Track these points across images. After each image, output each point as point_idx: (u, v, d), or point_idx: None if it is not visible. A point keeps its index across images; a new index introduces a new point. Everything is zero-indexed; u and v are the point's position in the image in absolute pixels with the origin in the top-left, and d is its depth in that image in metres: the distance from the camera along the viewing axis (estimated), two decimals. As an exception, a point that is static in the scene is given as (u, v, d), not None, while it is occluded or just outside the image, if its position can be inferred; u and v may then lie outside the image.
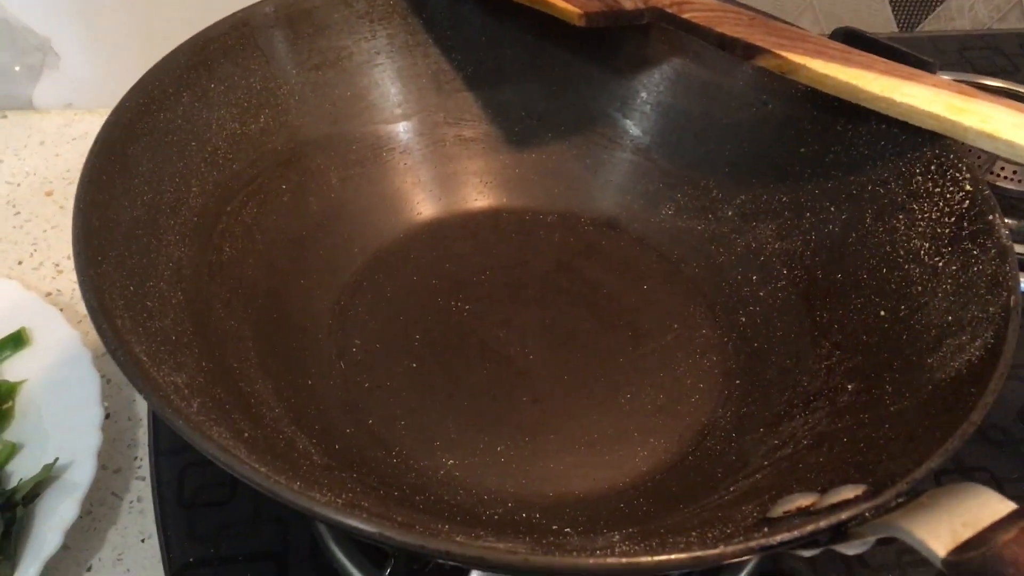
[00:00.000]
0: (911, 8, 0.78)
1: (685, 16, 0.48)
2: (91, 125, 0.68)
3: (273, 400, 0.39)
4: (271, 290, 0.44)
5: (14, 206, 0.61)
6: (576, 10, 0.45)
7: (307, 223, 0.47)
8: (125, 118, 0.42)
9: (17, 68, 0.66)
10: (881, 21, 0.78)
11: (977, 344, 0.40)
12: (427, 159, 0.53)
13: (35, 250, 0.59)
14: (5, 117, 0.68)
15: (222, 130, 0.45)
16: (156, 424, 0.48)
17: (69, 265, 0.58)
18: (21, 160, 0.65)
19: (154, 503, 0.44)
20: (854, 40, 0.60)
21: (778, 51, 0.46)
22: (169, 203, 0.41)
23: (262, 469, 0.29)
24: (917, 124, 0.45)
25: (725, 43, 0.47)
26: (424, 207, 0.53)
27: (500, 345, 0.47)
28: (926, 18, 0.79)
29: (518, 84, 0.54)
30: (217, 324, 0.39)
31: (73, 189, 0.61)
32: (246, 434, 0.33)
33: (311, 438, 0.39)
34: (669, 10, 0.48)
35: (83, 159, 0.62)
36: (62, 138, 0.67)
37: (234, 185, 0.45)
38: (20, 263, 0.58)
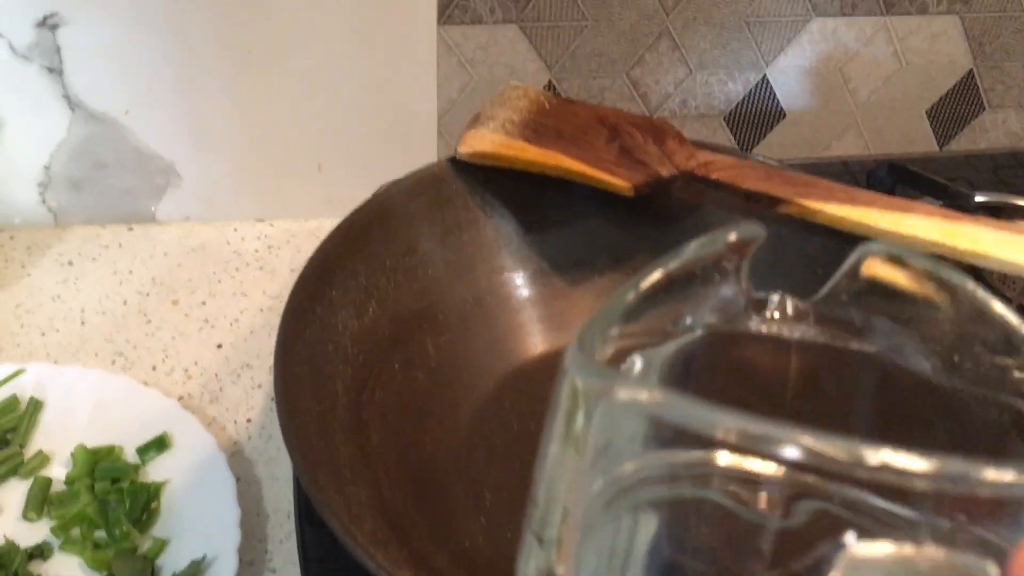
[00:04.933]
0: (948, 122, 0.85)
1: (713, 176, 0.55)
2: (207, 236, 0.75)
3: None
4: (409, 460, 0.50)
5: (145, 315, 0.68)
6: (626, 183, 0.53)
7: (418, 394, 0.53)
8: (289, 343, 0.47)
9: (144, 188, 0.73)
10: (920, 135, 0.85)
11: (1005, 419, 0.46)
12: (499, 316, 0.59)
13: (166, 356, 0.66)
14: (131, 230, 0.75)
15: (346, 329, 0.51)
16: (304, 537, 0.53)
17: (197, 371, 0.65)
18: (148, 270, 0.72)
19: None
20: (899, 173, 0.67)
21: (798, 200, 0.53)
22: (329, 407, 0.47)
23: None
24: (921, 250, 0.51)
25: (751, 196, 0.55)
26: (503, 361, 0.58)
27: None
28: (962, 131, 0.85)
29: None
30: (383, 490, 0.45)
31: (195, 298, 0.69)
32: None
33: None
34: (698, 172, 0.55)
35: (202, 268, 0.71)
36: (182, 249, 0.74)
37: (363, 375, 0.51)
38: (154, 368, 0.65)
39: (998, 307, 0.27)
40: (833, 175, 0.79)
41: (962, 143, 0.86)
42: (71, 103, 0.68)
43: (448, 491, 0.50)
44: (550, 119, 0.57)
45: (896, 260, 0.30)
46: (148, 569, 0.51)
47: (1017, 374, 0.27)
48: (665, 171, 0.53)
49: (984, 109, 0.85)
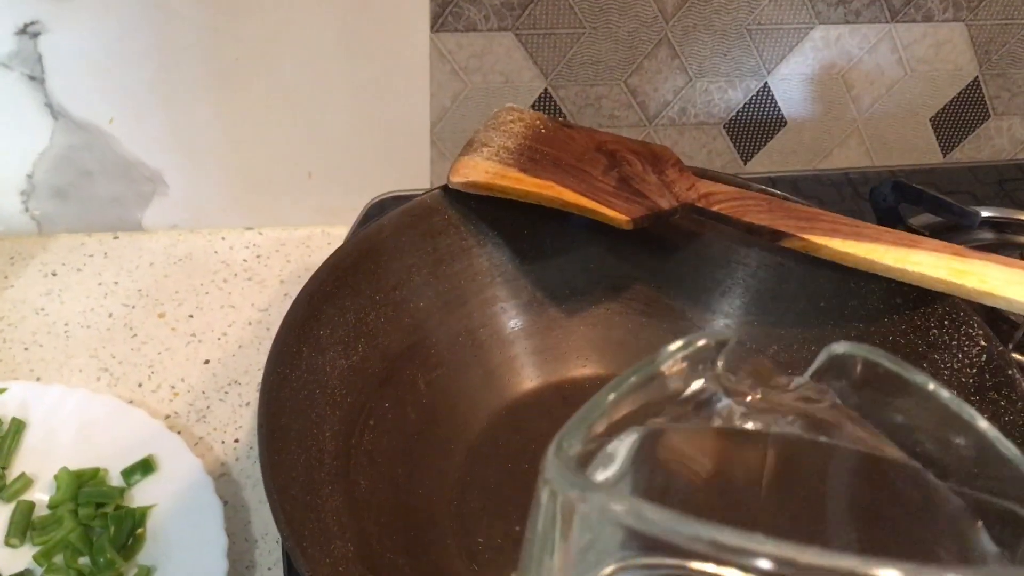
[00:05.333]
0: (952, 130, 0.83)
1: (715, 208, 0.54)
2: (194, 245, 0.74)
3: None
4: (399, 505, 0.48)
5: (131, 328, 0.67)
6: (624, 217, 0.52)
7: (409, 434, 0.52)
8: (273, 393, 0.46)
9: (130, 196, 0.72)
10: (923, 143, 0.83)
11: None
12: (492, 348, 0.58)
13: (152, 372, 0.65)
14: (117, 238, 0.73)
15: (334, 369, 0.50)
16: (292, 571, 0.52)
17: (184, 387, 0.64)
18: (134, 281, 0.70)
19: None
20: (903, 191, 0.65)
21: (801, 234, 0.52)
22: (316, 456, 0.45)
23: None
24: (928, 287, 0.50)
25: (752, 230, 0.53)
26: (497, 395, 0.57)
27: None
28: (966, 138, 0.84)
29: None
30: (372, 541, 0.44)
31: (182, 311, 0.68)
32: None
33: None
34: (699, 204, 0.54)
35: (189, 279, 0.69)
36: (169, 259, 0.72)
37: (352, 418, 0.49)
38: (140, 385, 0.64)
39: (966, 412, 0.29)
40: (835, 187, 0.78)
41: (966, 151, 0.85)
42: (54, 111, 0.66)
43: (439, 537, 0.49)
44: (546, 146, 0.55)
45: (862, 361, 0.32)
46: (133, 598, 0.51)
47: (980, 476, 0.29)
48: (665, 203, 0.52)
49: (989, 117, 0.83)
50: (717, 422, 0.32)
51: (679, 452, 0.31)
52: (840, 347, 0.32)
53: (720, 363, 0.32)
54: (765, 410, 0.32)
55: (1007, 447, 0.28)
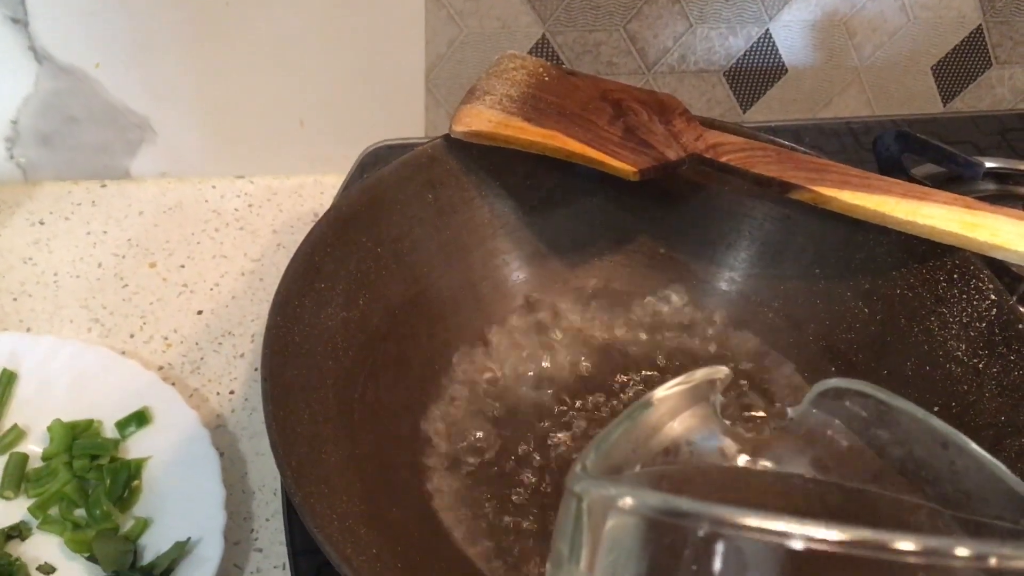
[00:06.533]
0: (953, 79, 0.82)
1: (723, 160, 0.53)
2: (184, 194, 0.72)
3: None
4: (403, 460, 0.48)
5: (122, 279, 0.66)
6: (631, 168, 0.51)
7: (412, 386, 0.52)
8: (275, 346, 0.45)
9: (117, 144, 0.70)
10: (924, 91, 0.82)
11: None
12: (496, 301, 0.57)
13: (144, 323, 0.64)
14: (105, 187, 0.72)
15: (335, 323, 0.49)
16: (292, 529, 0.51)
17: (177, 339, 0.63)
18: (123, 230, 0.69)
19: None
20: (906, 140, 0.64)
21: (810, 186, 0.51)
22: (320, 411, 0.45)
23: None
24: (939, 240, 0.50)
25: (761, 181, 0.52)
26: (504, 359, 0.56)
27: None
28: (968, 87, 0.83)
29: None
30: (377, 501, 0.43)
31: (173, 260, 0.67)
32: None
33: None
34: (707, 155, 0.53)
35: (180, 228, 0.68)
36: (158, 208, 0.71)
37: (354, 372, 0.48)
38: (132, 336, 0.63)
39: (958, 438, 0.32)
40: (836, 137, 0.77)
41: (967, 100, 0.84)
42: (38, 55, 0.64)
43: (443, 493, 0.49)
44: (550, 94, 0.54)
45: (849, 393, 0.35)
46: (130, 550, 0.50)
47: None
48: (672, 154, 0.50)
49: (991, 65, 0.82)
50: (717, 460, 0.33)
51: (685, 483, 0.33)
52: (830, 382, 0.36)
53: (717, 400, 0.34)
54: (763, 447, 0.34)
55: (998, 467, 0.30)
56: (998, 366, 0.49)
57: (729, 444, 0.34)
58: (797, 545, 0.20)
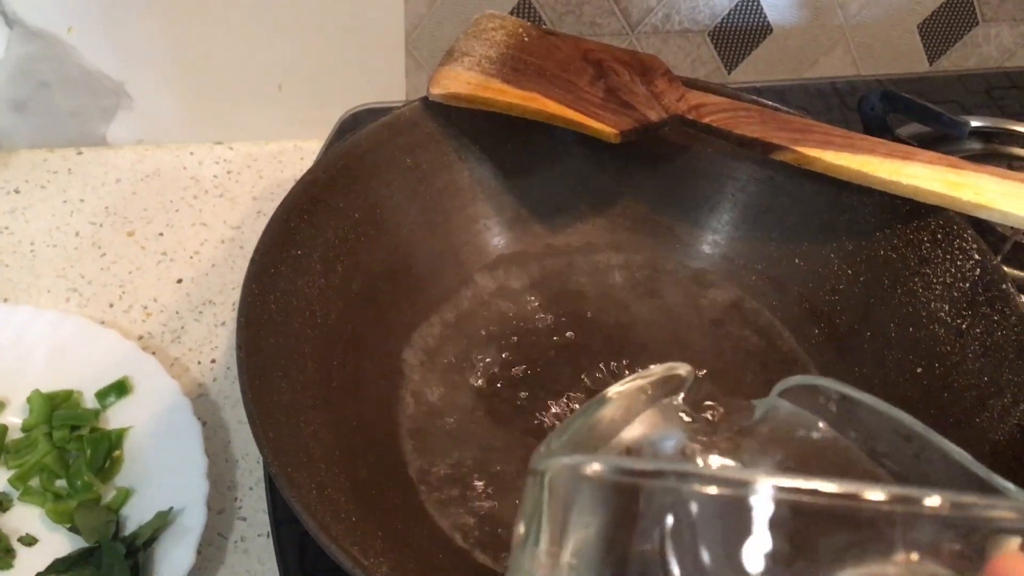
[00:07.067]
0: (939, 37, 0.81)
1: (705, 120, 0.52)
2: (162, 161, 0.71)
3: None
4: (385, 428, 0.48)
5: (100, 247, 0.65)
6: (611, 129, 0.50)
7: (392, 353, 0.51)
8: (251, 315, 0.44)
9: (92, 110, 0.69)
10: (910, 50, 0.81)
11: (1022, 408, 0.45)
12: (475, 266, 0.57)
13: (123, 292, 0.63)
14: (81, 154, 0.71)
15: (313, 290, 0.48)
16: (274, 497, 0.51)
17: (156, 307, 0.62)
18: (100, 199, 0.68)
19: (280, 571, 0.48)
20: (892, 100, 0.64)
21: (794, 147, 0.50)
22: (298, 380, 0.44)
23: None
24: (923, 200, 0.49)
25: (744, 142, 0.52)
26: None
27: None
28: (953, 45, 0.82)
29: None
30: (359, 470, 0.43)
31: (152, 228, 0.66)
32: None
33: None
34: (689, 116, 0.52)
35: (158, 196, 0.67)
36: (136, 175, 0.70)
37: (333, 340, 0.48)
38: (111, 306, 0.62)
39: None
40: (821, 97, 0.76)
41: (953, 59, 0.83)
42: (8, 19, 0.63)
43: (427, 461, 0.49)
44: (530, 55, 0.53)
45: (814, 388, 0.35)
46: (112, 521, 0.50)
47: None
48: (654, 115, 0.50)
49: (977, 23, 0.81)
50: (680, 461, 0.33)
51: None
52: (792, 380, 0.36)
53: (680, 398, 0.34)
54: (728, 448, 0.34)
55: (964, 456, 0.30)
56: (981, 326, 0.49)
57: (691, 445, 0.34)
58: (766, 497, 0.20)
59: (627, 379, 0.31)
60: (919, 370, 0.50)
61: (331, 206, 0.49)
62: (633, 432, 0.31)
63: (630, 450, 0.31)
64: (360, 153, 0.51)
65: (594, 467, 0.21)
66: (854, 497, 0.19)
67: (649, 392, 0.32)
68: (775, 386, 0.37)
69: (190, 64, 0.68)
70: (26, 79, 0.66)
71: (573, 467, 0.22)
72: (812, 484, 0.20)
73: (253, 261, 0.44)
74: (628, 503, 0.21)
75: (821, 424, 0.34)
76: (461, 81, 0.52)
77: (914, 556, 0.20)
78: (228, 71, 0.69)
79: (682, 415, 0.34)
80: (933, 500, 0.19)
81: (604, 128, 0.49)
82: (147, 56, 0.67)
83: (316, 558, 0.49)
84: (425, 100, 0.54)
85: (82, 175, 0.69)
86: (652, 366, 0.33)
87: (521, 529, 0.24)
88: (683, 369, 0.34)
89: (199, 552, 0.51)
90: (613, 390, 0.30)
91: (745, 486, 0.20)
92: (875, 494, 0.19)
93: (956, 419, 0.47)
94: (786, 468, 0.34)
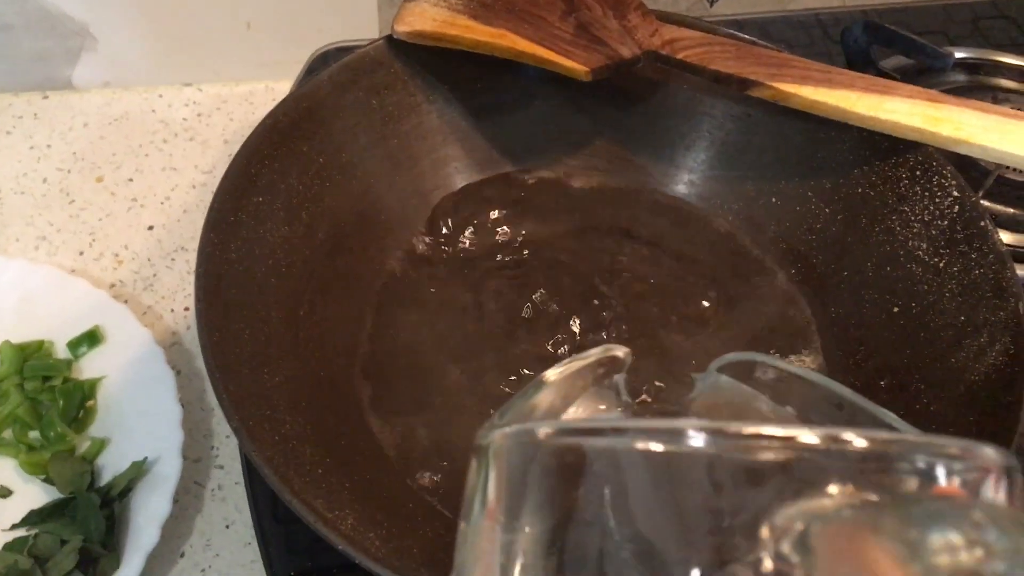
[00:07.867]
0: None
1: (679, 56, 0.50)
2: (130, 104, 0.69)
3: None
4: (355, 377, 0.47)
5: (68, 194, 0.64)
6: (582, 67, 0.48)
7: (361, 302, 0.50)
8: (210, 265, 0.43)
9: (57, 52, 0.67)
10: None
11: (998, 348, 0.44)
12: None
13: (93, 240, 0.62)
14: (47, 98, 0.69)
15: (276, 239, 0.47)
16: None
17: (128, 255, 0.61)
18: (68, 144, 0.66)
19: (253, 520, 0.48)
20: (875, 31, 0.62)
21: (770, 83, 0.49)
22: (262, 331, 0.43)
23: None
24: (902, 136, 0.48)
25: (720, 78, 0.50)
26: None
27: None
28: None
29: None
30: (327, 421, 0.42)
31: (121, 174, 0.65)
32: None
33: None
34: (663, 51, 0.51)
35: (127, 140, 0.65)
36: (104, 119, 0.68)
37: (299, 289, 0.47)
38: (81, 254, 0.61)
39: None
40: (804, 30, 0.74)
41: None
42: (-39, -41, 0.61)
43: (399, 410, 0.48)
44: (499, -11, 0.51)
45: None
46: (87, 471, 0.50)
47: None
48: (627, 51, 0.48)
49: (965, -50, 0.79)
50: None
51: None
52: (727, 358, 0.38)
53: (621, 380, 0.35)
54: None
55: (895, 420, 0.32)
56: (959, 265, 0.48)
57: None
58: (700, 442, 0.20)
59: (564, 362, 0.32)
60: (895, 309, 0.50)
61: (294, 151, 0.48)
62: (571, 416, 0.31)
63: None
64: (323, 95, 0.49)
65: (544, 430, 0.21)
66: (789, 440, 0.20)
67: (587, 375, 0.33)
68: (713, 362, 0.38)
69: (156, 3, 0.66)
70: (-14, 21, 0.64)
71: (513, 435, 0.22)
72: (748, 427, 0.20)
73: (212, 209, 0.43)
74: (570, 467, 0.21)
75: (760, 397, 0.35)
76: (427, 18, 0.50)
77: (849, 487, 0.20)
78: (194, 8, 0.67)
79: (620, 396, 0.34)
80: (859, 440, 0.20)
81: (575, 66, 0.48)
82: (109, -5, 0.65)
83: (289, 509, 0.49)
84: (389, 39, 0.52)
85: (48, 120, 0.68)
86: (589, 349, 0.33)
87: (466, 507, 0.23)
88: (620, 351, 0.34)
89: (176, 501, 0.51)
90: (551, 374, 0.30)
91: (679, 434, 0.20)
92: (808, 436, 0.20)
93: (932, 358, 0.47)
94: None
